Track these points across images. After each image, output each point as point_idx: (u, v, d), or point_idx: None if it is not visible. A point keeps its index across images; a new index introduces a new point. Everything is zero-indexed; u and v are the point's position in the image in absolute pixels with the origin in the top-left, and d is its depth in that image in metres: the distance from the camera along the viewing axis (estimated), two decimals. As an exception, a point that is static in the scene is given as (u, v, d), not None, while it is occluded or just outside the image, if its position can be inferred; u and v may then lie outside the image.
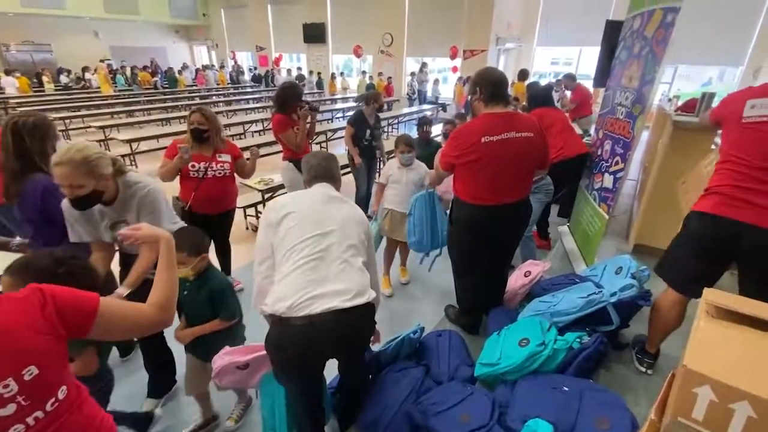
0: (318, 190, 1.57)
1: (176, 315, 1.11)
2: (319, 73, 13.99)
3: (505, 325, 2.09)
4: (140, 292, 1.45)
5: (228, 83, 15.61)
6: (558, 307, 2.07)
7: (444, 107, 10.77)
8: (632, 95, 2.65)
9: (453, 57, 11.53)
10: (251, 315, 1.71)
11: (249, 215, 4.23)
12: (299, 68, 14.87)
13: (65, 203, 1.53)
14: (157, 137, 6.51)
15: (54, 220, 1.62)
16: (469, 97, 2.14)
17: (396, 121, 9.84)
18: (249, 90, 14.45)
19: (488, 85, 1.97)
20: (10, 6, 13.06)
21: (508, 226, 2.15)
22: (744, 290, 1.72)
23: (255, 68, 16.92)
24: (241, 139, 7.45)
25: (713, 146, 2.85)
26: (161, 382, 2.06)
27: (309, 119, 3.25)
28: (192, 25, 19.04)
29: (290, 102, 3.15)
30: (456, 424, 1.53)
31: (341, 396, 1.80)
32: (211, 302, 1.68)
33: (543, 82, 6.88)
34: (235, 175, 2.71)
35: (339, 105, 11.17)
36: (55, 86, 12.93)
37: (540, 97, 3.46)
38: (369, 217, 2.85)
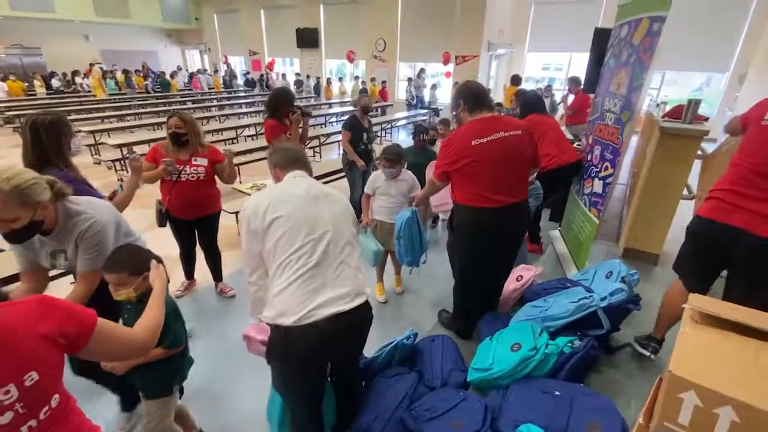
0: (299, 185, 1.46)
1: None
2: (317, 78, 14.00)
3: (498, 330, 2.10)
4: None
5: (222, 88, 15.57)
6: (549, 312, 2.09)
7: (437, 112, 10.84)
8: (620, 102, 2.69)
9: (445, 62, 11.64)
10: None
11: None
12: (297, 73, 14.86)
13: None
14: (148, 142, 6.45)
15: None
16: (454, 112, 2.18)
17: (389, 126, 9.87)
18: (242, 95, 14.42)
19: (470, 96, 2.07)
20: (-1, 9, 12.93)
21: (511, 228, 2.17)
22: (729, 293, 1.77)
23: (248, 72, 16.91)
24: (233, 143, 7.43)
25: (699, 152, 2.90)
26: (130, 392, 1.91)
27: (301, 124, 3.26)
28: (184, 29, 18.96)
29: (282, 107, 3.16)
30: (449, 430, 1.53)
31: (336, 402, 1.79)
32: None
33: (529, 89, 6.97)
34: (217, 179, 2.66)
35: (332, 110, 11.18)
36: (47, 91, 12.80)
37: (532, 104, 3.50)
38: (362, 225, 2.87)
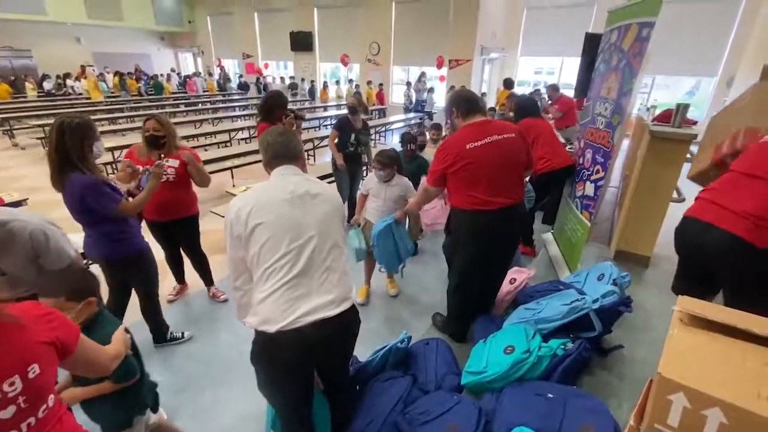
0: (285, 185, 1.37)
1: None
2: (312, 81, 13.99)
3: (491, 333, 2.11)
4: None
5: (216, 90, 15.50)
6: (542, 315, 2.10)
7: (431, 115, 10.87)
8: (611, 106, 2.73)
9: (439, 66, 11.70)
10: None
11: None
12: (292, 77, 14.83)
13: None
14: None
15: (90, 211, 1.87)
16: (448, 120, 2.21)
17: (384, 129, 9.88)
18: (236, 98, 14.36)
19: (463, 102, 2.12)
20: (-12, 11, 12.78)
21: (508, 229, 2.19)
22: (726, 301, 1.75)
23: (241, 75, 16.85)
24: (227, 146, 7.38)
25: (688, 155, 2.95)
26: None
27: (294, 127, 3.25)
28: (177, 31, 18.87)
29: (275, 110, 3.16)
30: (442, 434, 1.53)
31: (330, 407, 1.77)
32: None
33: (520, 92, 7.05)
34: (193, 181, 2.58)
35: (326, 113, 11.17)
36: (38, 93, 12.64)
37: (526, 107, 3.53)
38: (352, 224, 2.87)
